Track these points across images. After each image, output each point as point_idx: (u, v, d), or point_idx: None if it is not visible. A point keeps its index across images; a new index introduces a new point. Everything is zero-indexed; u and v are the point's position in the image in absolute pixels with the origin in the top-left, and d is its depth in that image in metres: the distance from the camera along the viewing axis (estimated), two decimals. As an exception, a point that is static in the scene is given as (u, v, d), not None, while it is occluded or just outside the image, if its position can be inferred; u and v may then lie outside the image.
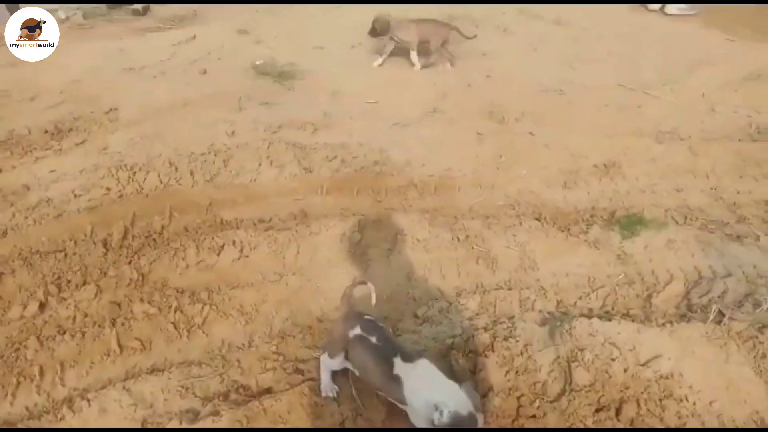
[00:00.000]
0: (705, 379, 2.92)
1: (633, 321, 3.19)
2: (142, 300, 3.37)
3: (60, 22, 6.94)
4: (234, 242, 3.67)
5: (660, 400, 2.84)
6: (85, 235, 3.88)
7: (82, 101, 5.53)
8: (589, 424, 2.73)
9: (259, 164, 4.56)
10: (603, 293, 3.54)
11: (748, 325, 3.14)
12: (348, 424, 2.68)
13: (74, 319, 3.32)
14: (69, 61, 6.30)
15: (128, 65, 6.36)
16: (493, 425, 2.71)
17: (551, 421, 2.73)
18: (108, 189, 4.29)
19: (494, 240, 3.88)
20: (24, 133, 5.02)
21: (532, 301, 3.45)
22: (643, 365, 2.93)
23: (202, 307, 3.32)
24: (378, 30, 6.33)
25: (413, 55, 6.41)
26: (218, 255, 3.60)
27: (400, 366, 2.50)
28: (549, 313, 3.37)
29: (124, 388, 2.84)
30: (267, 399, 2.71)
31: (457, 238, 3.85)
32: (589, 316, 3.21)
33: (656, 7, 8.40)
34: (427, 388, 2.41)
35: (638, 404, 2.81)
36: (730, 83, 6.05)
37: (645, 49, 7.06)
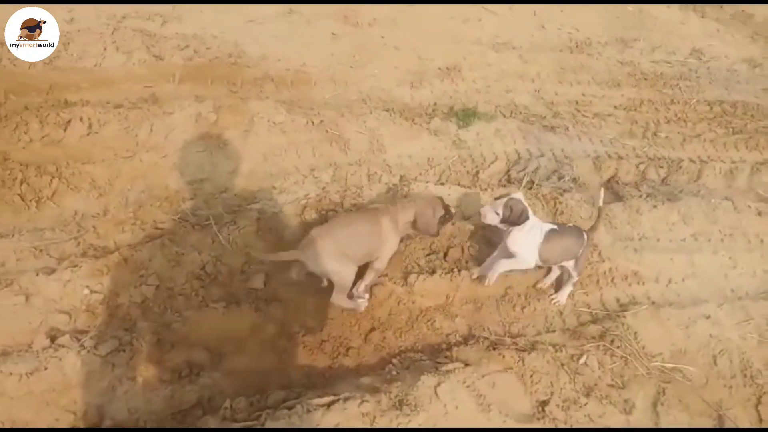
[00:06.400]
0: (516, 228, 3.53)
1: (462, 187, 3.71)
2: (-20, 172, 3.20)
3: None
4: (81, 118, 3.55)
5: (479, 247, 3.41)
6: None
7: None
8: (422, 264, 3.21)
9: (104, 49, 4.34)
10: (439, 170, 4.03)
11: (552, 190, 3.80)
12: (208, 269, 2.88)
13: None
14: None
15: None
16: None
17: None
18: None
19: (347, 126, 4.17)
20: None
21: (379, 176, 3.82)
22: (467, 219, 3.46)
23: (51, 180, 3.25)
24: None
25: None
26: (65, 130, 3.48)
27: None
28: (393, 185, 3.78)
29: (-30, 249, 2.77)
30: (127, 249, 2.81)
31: (312, 122, 4.08)
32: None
33: None
34: None
35: (462, 250, 3.35)
36: (558, 5, 6.78)
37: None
